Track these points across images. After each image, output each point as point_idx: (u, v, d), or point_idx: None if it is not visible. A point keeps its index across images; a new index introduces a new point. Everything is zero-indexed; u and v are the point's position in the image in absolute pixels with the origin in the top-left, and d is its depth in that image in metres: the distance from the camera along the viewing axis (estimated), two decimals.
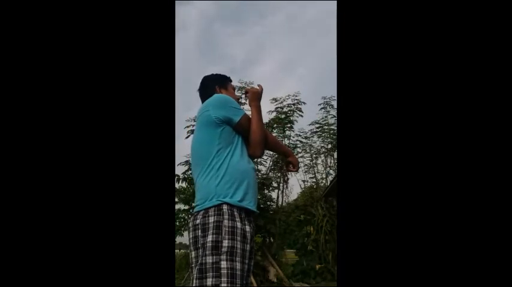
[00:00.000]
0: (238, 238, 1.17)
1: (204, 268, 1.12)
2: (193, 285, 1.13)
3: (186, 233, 5.81)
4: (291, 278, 5.73)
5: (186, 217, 5.68)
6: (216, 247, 1.14)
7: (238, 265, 1.13)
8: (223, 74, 1.59)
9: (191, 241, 1.24)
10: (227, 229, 1.17)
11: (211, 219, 1.18)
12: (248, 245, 1.21)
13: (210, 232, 1.17)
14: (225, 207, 1.21)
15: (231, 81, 1.60)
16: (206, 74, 1.57)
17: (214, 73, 1.59)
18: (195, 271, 1.15)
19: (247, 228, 1.23)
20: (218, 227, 1.17)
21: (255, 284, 4.48)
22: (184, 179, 5.53)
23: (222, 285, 1.08)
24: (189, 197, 5.34)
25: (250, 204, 1.28)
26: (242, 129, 1.37)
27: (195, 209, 1.28)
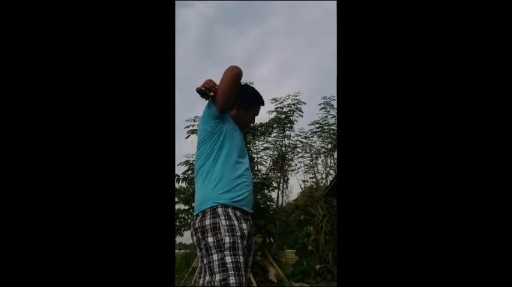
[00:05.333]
0: (238, 234, 1.23)
1: (212, 265, 1.18)
2: (204, 283, 1.19)
3: (186, 233, 5.83)
4: (291, 278, 5.72)
5: (186, 217, 5.69)
6: (218, 245, 1.20)
7: (241, 259, 1.20)
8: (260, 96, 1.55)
9: (194, 243, 1.31)
10: (226, 227, 1.23)
11: (208, 221, 1.24)
12: (245, 241, 1.28)
13: (209, 233, 1.22)
14: (219, 209, 1.26)
15: (260, 105, 1.56)
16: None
17: (254, 89, 1.55)
18: (203, 271, 1.21)
19: (244, 225, 1.29)
20: (215, 228, 1.23)
21: (255, 284, 4.48)
22: (184, 179, 5.54)
23: (230, 278, 1.15)
24: (189, 197, 5.34)
25: (243, 204, 1.33)
26: (219, 101, 1.33)
27: (194, 213, 1.35)
